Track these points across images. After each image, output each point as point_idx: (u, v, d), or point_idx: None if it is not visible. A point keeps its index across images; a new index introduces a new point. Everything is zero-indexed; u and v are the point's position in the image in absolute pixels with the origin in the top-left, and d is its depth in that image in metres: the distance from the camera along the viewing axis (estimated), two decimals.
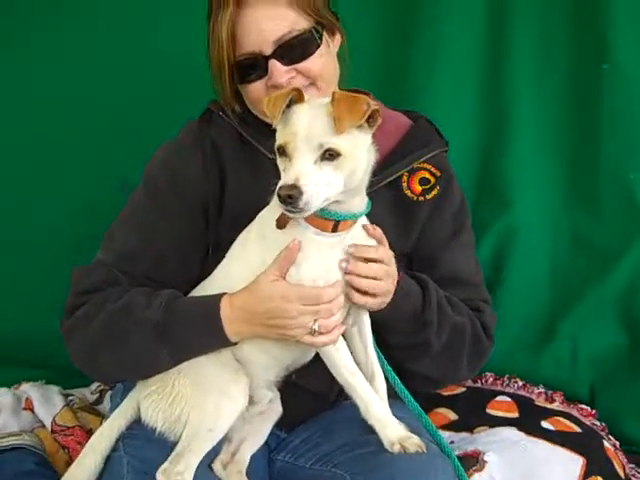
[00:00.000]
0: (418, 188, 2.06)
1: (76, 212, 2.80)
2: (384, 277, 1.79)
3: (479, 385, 2.68)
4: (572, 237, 2.81)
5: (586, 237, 2.80)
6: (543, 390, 2.63)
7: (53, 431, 2.40)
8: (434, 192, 2.08)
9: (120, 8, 2.77)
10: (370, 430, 1.80)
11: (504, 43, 2.80)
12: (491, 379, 2.69)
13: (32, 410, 2.49)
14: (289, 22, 1.91)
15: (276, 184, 1.65)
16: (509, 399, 2.53)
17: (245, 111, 2.04)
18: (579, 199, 2.80)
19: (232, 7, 1.89)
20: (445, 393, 2.60)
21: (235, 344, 1.81)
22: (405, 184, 2.06)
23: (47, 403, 2.51)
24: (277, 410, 1.97)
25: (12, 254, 2.82)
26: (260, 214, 1.86)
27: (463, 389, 2.63)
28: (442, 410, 2.49)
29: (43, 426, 2.43)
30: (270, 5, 1.90)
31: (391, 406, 1.84)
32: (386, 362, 1.90)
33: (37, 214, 2.82)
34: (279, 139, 1.68)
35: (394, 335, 1.94)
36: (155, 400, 1.83)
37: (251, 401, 1.86)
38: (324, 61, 1.97)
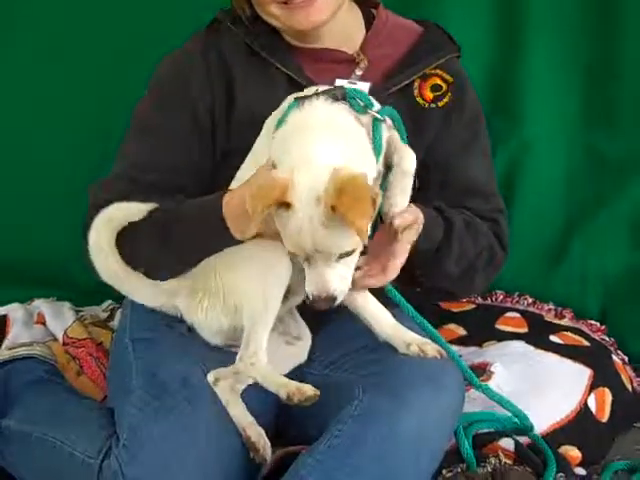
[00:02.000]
0: (430, 95, 2.01)
1: (91, 131, 2.79)
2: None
3: (489, 302, 2.69)
4: (586, 152, 2.76)
5: (601, 152, 2.75)
6: (553, 307, 2.64)
7: (64, 343, 2.43)
8: (446, 99, 2.02)
9: None
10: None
11: None
12: (501, 296, 2.69)
13: (44, 324, 2.52)
14: None
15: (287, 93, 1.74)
16: (519, 315, 2.54)
17: (255, 18, 1.99)
18: (594, 113, 2.75)
19: None
20: (455, 309, 2.61)
21: (242, 242, 1.76)
22: (417, 91, 2.00)
23: (59, 317, 2.54)
24: (303, 356, 1.94)
25: (26, 173, 2.82)
26: (267, 121, 1.83)
27: (473, 306, 2.64)
28: (451, 326, 2.51)
29: (55, 339, 2.46)
30: None
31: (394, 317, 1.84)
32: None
33: (51, 133, 2.80)
34: (287, 246, 1.59)
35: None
36: (209, 305, 1.81)
37: (288, 291, 1.80)
38: None
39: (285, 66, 1.96)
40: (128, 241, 1.85)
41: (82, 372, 2.33)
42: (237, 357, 1.74)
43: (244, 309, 1.75)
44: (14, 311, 2.56)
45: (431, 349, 1.77)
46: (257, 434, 1.76)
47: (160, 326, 1.90)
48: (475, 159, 2.06)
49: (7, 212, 2.83)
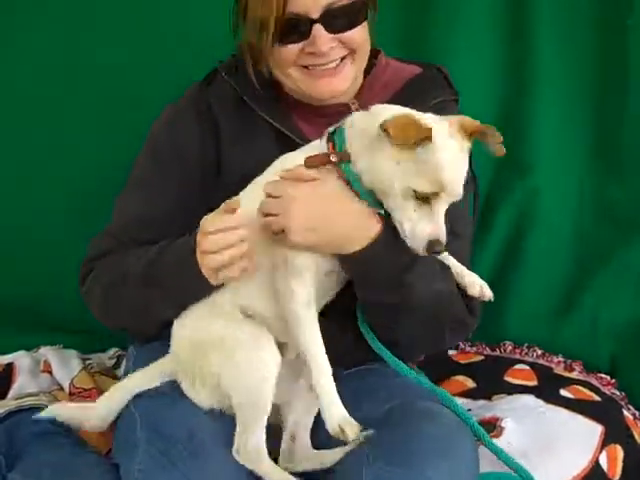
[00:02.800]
0: None
1: (96, 179, 2.78)
2: (281, 211, 1.71)
3: (498, 353, 2.66)
4: (596, 202, 2.75)
5: (610, 202, 2.74)
6: (562, 359, 2.61)
7: (71, 393, 2.41)
8: None
9: None
10: (385, 402, 1.84)
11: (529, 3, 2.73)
12: (510, 348, 2.67)
13: (50, 373, 2.52)
14: None
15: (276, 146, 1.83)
16: (528, 367, 2.52)
17: (257, 73, 2.01)
18: (603, 163, 2.74)
19: None
20: (462, 361, 2.60)
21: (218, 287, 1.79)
22: None
23: (65, 366, 2.53)
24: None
25: (32, 219, 2.82)
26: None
27: (481, 357, 2.63)
28: (460, 378, 2.49)
29: (61, 388, 2.45)
30: None
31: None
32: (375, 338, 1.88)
33: (55, 179, 2.81)
34: (422, 186, 1.63)
35: (371, 290, 1.81)
36: (192, 385, 1.81)
37: (284, 347, 1.83)
38: (365, 33, 1.93)
39: (274, 118, 1.97)
40: (113, 295, 1.92)
41: None
42: (234, 447, 1.74)
43: (235, 404, 1.76)
44: (20, 359, 2.56)
45: (350, 431, 1.68)
46: None
47: (167, 382, 1.88)
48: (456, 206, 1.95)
49: (13, 258, 2.83)
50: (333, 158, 1.73)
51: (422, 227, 1.65)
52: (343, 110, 1.98)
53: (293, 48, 1.87)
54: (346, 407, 1.81)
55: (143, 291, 1.85)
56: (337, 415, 1.69)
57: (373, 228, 1.72)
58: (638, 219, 2.69)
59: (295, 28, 1.85)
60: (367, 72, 2.07)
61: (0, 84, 2.78)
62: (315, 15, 1.83)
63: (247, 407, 1.74)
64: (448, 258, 1.87)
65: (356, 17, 1.89)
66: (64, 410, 1.98)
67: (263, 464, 1.75)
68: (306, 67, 1.90)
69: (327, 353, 1.87)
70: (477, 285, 1.84)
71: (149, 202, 1.99)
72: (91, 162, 2.76)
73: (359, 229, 1.72)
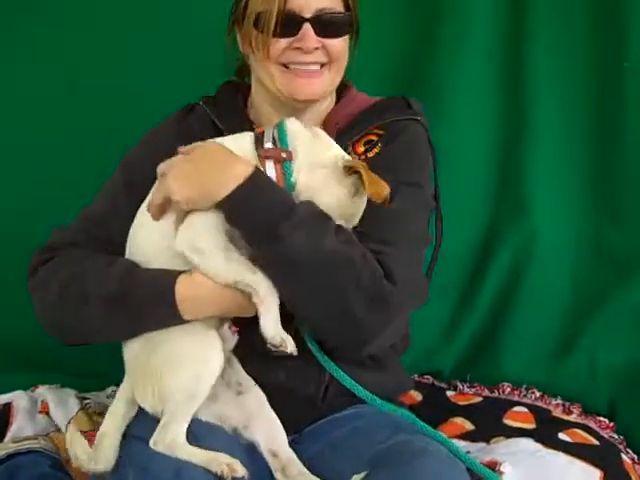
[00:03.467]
0: (361, 149, 2.02)
1: None
2: (164, 187, 1.79)
3: (496, 395, 2.66)
4: (593, 244, 2.78)
5: (607, 244, 2.77)
6: (561, 402, 2.61)
7: None
8: (376, 149, 2.00)
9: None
10: (377, 443, 1.81)
11: (525, 43, 2.79)
12: (508, 389, 2.67)
13: (48, 413, 2.49)
14: (334, 2, 2.00)
15: None
16: (526, 410, 2.51)
17: (230, 100, 2.12)
18: (600, 205, 2.78)
19: None
20: (461, 402, 2.60)
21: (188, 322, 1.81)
22: (350, 148, 2.01)
23: (63, 407, 2.51)
24: (256, 390, 1.91)
25: (23, 259, 2.83)
26: None
27: (479, 399, 2.63)
28: (458, 420, 2.48)
29: (59, 430, 2.43)
30: None
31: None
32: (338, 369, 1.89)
33: (52, 217, 2.80)
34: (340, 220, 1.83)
35: (251, 243, 1.77)
36: (141, 385, 1.83)
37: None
38: (345, 49, 2.04)
39: None
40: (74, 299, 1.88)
41: None
42: (152, 439, 1.75)
43: (169, 396, 1.76)
44: (18, 399, 2.53)
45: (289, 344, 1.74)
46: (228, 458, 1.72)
47: (154, 424, 1.83)
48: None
49: (9, 295, 2.79)
50: (284, 154, 1.81)
51: None
52: None
53: (282, 42, 1.97)
54: (337, 448, 1.86)
55: (107, 311, 1.84)
56: (278, 330, 1.74)
57: (241, 176, 1.73)
58: (635, 261, 2.72)
59: (288, 23, 1.96)
60: (336, 102, 2.15)
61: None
62: (307, 15, 1.96)
63: (181, 398, 1.75)
64: None
65: (342, 28, 2.01)
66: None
67: (184, 449, 1.74)
68: (286, 67, 1.99)
69: (313, 395, 1.95)
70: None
71: (111, 208, 2.02)
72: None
73: (228, 176, 1.74)
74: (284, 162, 1.81)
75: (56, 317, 1.94)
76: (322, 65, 2.00)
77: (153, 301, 1.81)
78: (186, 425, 1.76)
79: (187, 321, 1.81)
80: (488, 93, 2.82)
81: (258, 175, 1.76)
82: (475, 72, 2.80)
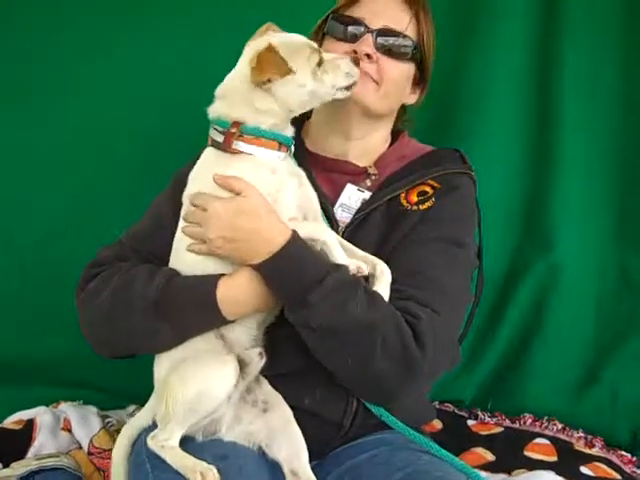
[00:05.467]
0: (414, 199, 2.05)
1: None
2: (202, 223, 1.85)
3: (517, 426, 2.66)
4: (617, 279, 2.78)
5: (631, 279, 2.77)
6: (583, 434, 2.60)
7: (90, 453, 2.42)
8: (428, 203, 2.04)
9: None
10: (397, 471, 1.83)
11: (552, 83, 2.81)
12: (530, 420, 2.66)
13: (70, 431, 2.51)
14: (409, 29, 2.07)
15: None
16: (548, 442, 2.50)
17: None
18: (625, 239, 2.78)
19: None
20: (482, 432, 2.60)
21: (233, 321, 1.88)
22: (403, 195, 2.05)
23: (85, 424, 2.53)
24: (284, 407, 1.94)
25: (52, 278, 2.86)
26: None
27: (501, 429, 2.62)
28: (479, 450, 2.47)
29: (80, 447, 2.45)
30: (407, 7, 2.09)
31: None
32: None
33: (77, 241, 2.85)
34: None
35: (284, 307, 1.88)
36: (159, 397, 1.89)
37: (243, 364, 1.89)
38: (400, 76, 2.09)
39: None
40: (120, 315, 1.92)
41: None
42: (151, 433, 1.83)
43: (175, 408, 1.81)
44: (42, 416, 2.54)
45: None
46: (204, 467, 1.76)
47: None
48: (427, 251, 1.96)
49: (33, 313, 2.86)
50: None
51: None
52: (360, 171, 2.12)
53: (339, 44, 2.06)
54: (358, 474, 1.89)
55: (152, 317, 1.89)
56: (349, 260, 1.85)
57: (277, 243, 1.80)
58: None
59: (351, 26, 2.06)
60: (389, 146, 2.19)
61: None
62: (373, 26, 2.04)
63: (183, 410, 1.81)
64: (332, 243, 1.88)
65: (401, 52, 2.07)
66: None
67: (171, 451, 1.80)
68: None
69: (339, 421, 1.97)
70: (353, 265, 1.85)
71: (156, 225, 2.07)
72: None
73: (264, 243, 1.81)
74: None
75: (104, 326, 1.98)
76: (373, 81, 2.04)
77: (196, 304, 1.86)
78: (181, 432, 1.82)
79: (231, 321, 1.87)
80: (515, 127, 2.84)
81: (293, 243, 1.81)
82: (502, 107, 2.82)
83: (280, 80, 1.84)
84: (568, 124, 2.79)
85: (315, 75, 1.87)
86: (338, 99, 1.93)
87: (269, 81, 1.84)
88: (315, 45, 1.91)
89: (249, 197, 1.83)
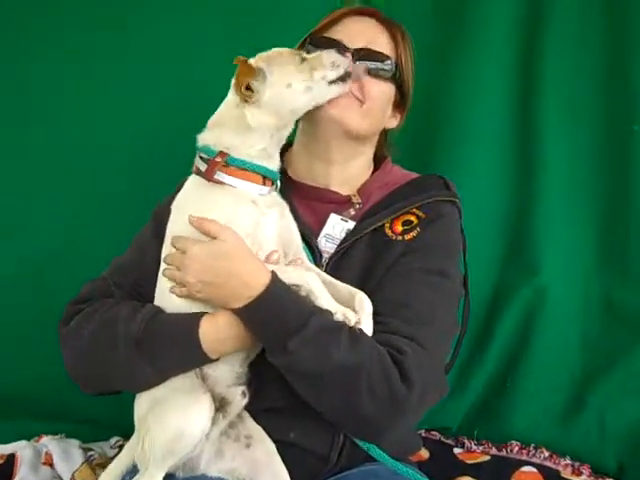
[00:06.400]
0: (399, 229, 2.04)
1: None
2: (181, 267, 1.84)
3: (504, 454, 2.63)
4: (602, 303, 2.78)
5: (617, 303, 2.76)
6: (570, 462, 2.58)
7: None
8: (413, 233, 2.03)
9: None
10: None
11: (533, 104, 2.81)
12: (517, 448, 2.64)
13: (51, 465, 2.49)
14: (388, 50, 2.09)
15: None
16: (535, 470, 2.50)
17: None
18: (610, 264, 2.78)
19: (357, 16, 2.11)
20: (468, 461, 2.58)
21: (217, 360, 1.86)
22: (388, 224, 2.05)
23: (67, 458, 2.51)
24: (267, 442, 1.93)
25: (31, 308, 2.85)
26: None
27: (487, 457, 2.60)
28: (466, 479, 2.46)
29: None
30: (385, 30, 2.12)
31: None
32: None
33: (63, 269, 2.83)
34: None
35: (264, 349, 1.87)
36: (136, 437, 1.89)
37: (225, 402, 1.89)
38: (382, 96, 2.09)
39: None
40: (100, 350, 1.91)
41: None
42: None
43: (151, 451, 1.81)
44: (22, 450, 2.52)
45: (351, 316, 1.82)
46: None
47: None
48: (412, 283, 1.96)
49: (12, 346, 2.84)
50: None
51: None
52: (343, 200, 2.12)
53: None
54: None
55: (133, 355, 1.87)
56: (336, 307, 1.83)
57: (256, 287, 1.78)
58: None
59: (331, 46, 2.02)
60: (372, 173, 2.20)
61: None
62: (353, 46, 2.05)
63: (160, 453, 1.80)
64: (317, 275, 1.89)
65: (383, 71, 2.08)
66: None
67: None
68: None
69: (325, 454, 1.95)
70: (340, 314, 1.83)
71: (139, 258, 2.06)
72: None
73: (243, 287, 1.79)
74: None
75: (86, 364, 1.97)
76: (357, 100, 2.04)
77: (178, 344, 1.84)
78: (162, 475, 1.81)
79: (214, 360, 1.85)
80: (497, 154, 2.84)
81: (273, 287, 1.79)
82: (483, 130, 2.82)
83: (262, 86, 1.85)
84: (552, 152, 2.79)
85: (301, 73, 1.88)
86: (334, 96, 1.94)
87: (251, 90, 1.86)
88: (295, 50, 1.94)
89: (227, 240, 1.82)
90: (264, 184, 1.90)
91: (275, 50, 1.93)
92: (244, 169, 1.88)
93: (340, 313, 1.82)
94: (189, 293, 1.85)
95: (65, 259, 2.85)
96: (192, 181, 1.95)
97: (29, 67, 2.88)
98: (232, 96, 1.90)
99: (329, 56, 1.91)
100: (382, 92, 2.09)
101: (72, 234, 2.88)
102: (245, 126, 1.87)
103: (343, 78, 1.93)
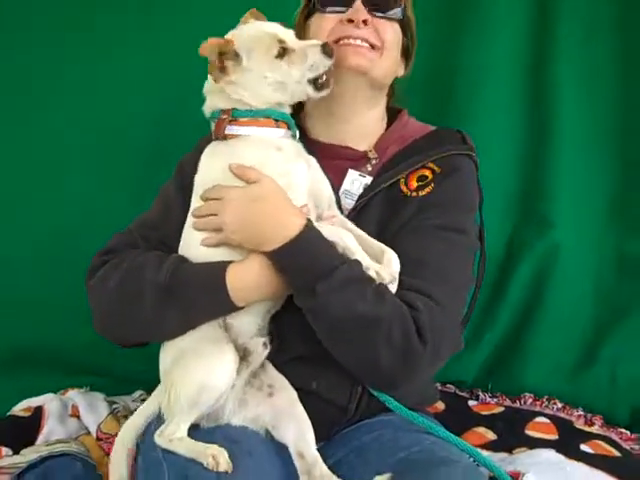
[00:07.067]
0: (414, 184, 2.06)
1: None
2: (218, 212, 1.88)
3: (518, 405, 2.69)
4: (615, 258, 2.80)
5: (629, 258, 2.79)
6: (582, 413, 2.63)
7: (98, 438, 2.45)
8: (427, 189, 2.05)
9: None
10: (402, 450, 1.87)
11: (548, 55, 2.81)
12: (530, 400, 2.69)
13: (78, 417, 2.55)
14: None
15: None
16: (548, 421, 2.54)
17: None
18: (623, 219, 2.80)
19: None
20: (483, 412, 2.63)
21: (242, 308, 1.90)
22: (403, 180, 2.06)
23: (92, 411, 2.56)
24: (289, 390, 1.97)
25: (59, 264, 2.88)
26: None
27: (501, 409, 2.65)
28: (480, 429, 2.51)
29: (88, 433, 2.48)
30: None
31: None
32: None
33: (90, 226, 2.86)
34: None
35: (293, 292, 1.91)
36: (163, 390, 1.93)
37: (247, 352, 1.93)
38: (396, 38, 2.10)
39: None
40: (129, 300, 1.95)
41: None
42: (158, 430, 1.85)
43: (177, 402, 1.85)
44: (50, 403, 2.58)
45: (386, 274, 1.86)
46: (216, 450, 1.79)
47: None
48: (427, 239, 1.97)
49: (41, 302, 2.88)
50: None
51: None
52: (360, 155, 2.13)
53: (333, 17, 2.05)
54: (362, 453, 1.92)
55: (160, 302, 1.91)
56: (371, 264, 1.86)
57: (291, 231, 1.82)
58: None
59: None
60: (388, 126, 2.20)
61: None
62: None
63: (185, 404, 1.84)
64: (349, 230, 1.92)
65: (394, 12, 2.08)
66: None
67: (180, 442, 1.83)
68: (338, 42, 2.03)
69: (345, 404, 2.00)
70: (372, 271, 1.87)
71: (165, 212, 2.10)
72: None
73: (280, 229, 1.83)
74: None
75: (112, 314, 2.00)
76: (372, 47, 2.05)
77: (205, 290, 1.88)
78: (187, 425, 1.85)
79: (240, 308, 1.89)
80: (512, 108, 2.84)
81: (307, 232, 1.83)
82: (500, 88, 2.83)
83: (236, 72, 1.88)
84: (566, 104, 2.80)
85: (277, 65, 1.89)
86: (312, 98, 1.96)
87: (225, 73, 1.89)
88: (281, 36, 1.91)
89: (264, 184, 1.86)
90: (278, 127, 1.93)
91: (260, 32, 1.91)
92: (253, 117, 1.91)
93: (373, 270, 1.86)
94: (225, 237, 1.88)
95: (95, 219, 2.87)
96: (210, 146, 1.99)
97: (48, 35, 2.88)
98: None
99: (312, 55, 1.90)
100: (396, 33, 2.10)
101: (103, 193, 2.92)
102: (229, 95, 1.92)
103: (322, 86, 1.94)
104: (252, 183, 1.87)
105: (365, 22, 2.04)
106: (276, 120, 1.93)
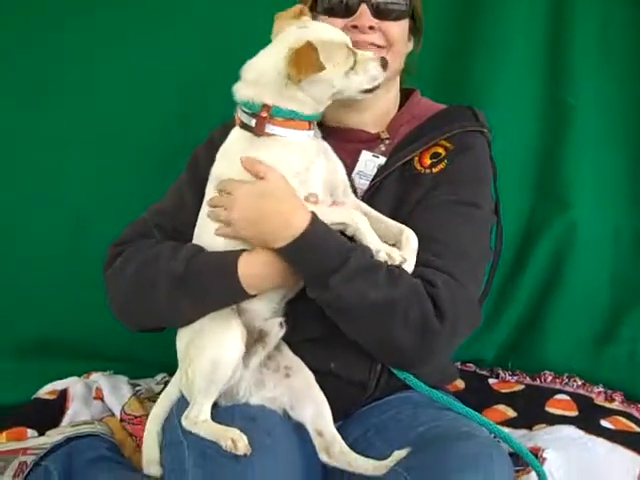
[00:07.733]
0: (427, 161, 2.06)
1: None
2: (227, 206, 1.89)
3: (538, 383, 2.70)
4: (632, 236, 2.81)
5: None
6: (602, 389, 2.63)
7: (122, 419, 2.48)
8: (441, 165, 2.05)
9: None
10: (421, 425, 1.88)
11: (565, 37, 2.81)
12: (550, 377, 2.70)
13: (102, 399, 2.59)
14: None
15: None
16: (568, 397, 2.55)
17: None
18: None
19: None
20: (504, 390, 2.64)
21: (254, 296, 1.91)
22: (417, 158, 2.07)
23: (116, 393, 2.60)
24: (305, 371, 1.99)
25: (81, 250, 2.94)
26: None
27: (522, 386, 2.66)
28: (501, 407, 2.52)
29: (112, 415, 2.52)
30: None
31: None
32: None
33: (110, 215, 2.88)
34: None
35: (306, 285, 1.92)
36: (180, 371, 1.97)
37: (263, 334, 1.95)
38: (403, 32, 2.11)
39: None
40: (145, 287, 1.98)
41: (139, 449, 2.38)
42: (182, 416, 1.88)
43: (194, 382, 1.89)
44: (74, 385, 2.63)
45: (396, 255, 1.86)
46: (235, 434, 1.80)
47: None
48: (442, 216, 1.98)
49: (65, 289, 2.94)
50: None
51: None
52: (373, 137, 2.14)
53: (338, 22, 2.05)
54: (381, 430, 1.95)
55: (175, 290, 1.93)
56: (381, 246, 1.86)
57: (298, 226, 1.83)
58: None
59: (345, 4, 2.06)
60: (401, 107, 2.22)
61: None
62: None
63: (202, 382, 1.87)
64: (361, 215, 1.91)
65: (400, 13, 2.09)
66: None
67: (203, 425, 1.85)
68: (354, 26, 2.04)
69: (364, 382, 2.01)
70: (383, 253, 1.87)
71: (179, 201, 2.13)
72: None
73: (286, 226, 1.83)
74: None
75: (130, 302, 2.04)
76: (380, 48, 2.06)
77: (218, 278, 1.90)
78: (209, 405, 1.88)
79: (252, 296, 1.91)
80: (529, 87, 2.84)
81: (314, 226, 1.84)
82: (516, 65, 2.83)
83: (314, 78, 1.86)
84: (585, 84, 2.79)
85: (347, 77, 1.90)
86: (356, 99, 1.97)
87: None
88: (350, 44, 1.92)
89: (272, 180, 1.87)
90: (310, 129, 1.94)
91: (337, 41, 1.89)
92: (291, 118, 1.91)
93: (384, 252, 1.86)
94: (234, 232, 1.90)
95: (111, 207, 2.91)
96: (238, 134, 1.97)
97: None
98: (279, 63, 1.86)
99: (374, 69, 1.90)
100: (402, 30, 2.11)
101: (103, 191, 2.95)
102: (283, 93, 1.89)
103: (371, 90, 1.94)
104: (260, 179, 1.88)
105: (371, 28, 2.05)
106: (309, 122, 1.94)
